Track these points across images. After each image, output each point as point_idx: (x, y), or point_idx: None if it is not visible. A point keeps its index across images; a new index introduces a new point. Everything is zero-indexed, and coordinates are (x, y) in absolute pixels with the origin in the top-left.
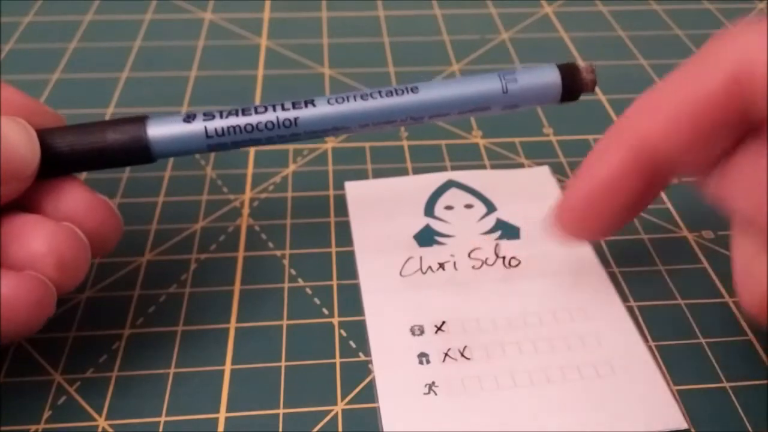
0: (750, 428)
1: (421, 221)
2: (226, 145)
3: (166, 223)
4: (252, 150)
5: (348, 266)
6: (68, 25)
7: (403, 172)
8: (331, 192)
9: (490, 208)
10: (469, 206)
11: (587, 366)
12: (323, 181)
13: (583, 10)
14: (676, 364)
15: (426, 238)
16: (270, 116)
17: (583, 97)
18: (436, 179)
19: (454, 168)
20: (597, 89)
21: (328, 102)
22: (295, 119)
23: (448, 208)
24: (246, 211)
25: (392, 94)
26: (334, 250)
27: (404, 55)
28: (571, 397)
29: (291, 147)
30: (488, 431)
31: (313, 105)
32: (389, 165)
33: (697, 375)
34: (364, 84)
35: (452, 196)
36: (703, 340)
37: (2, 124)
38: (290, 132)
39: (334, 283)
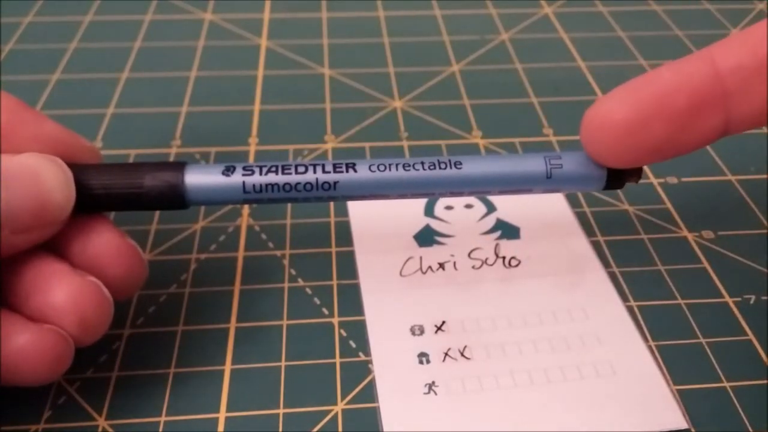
0: (750, 428)
1: (421, 221)
2: (261, 200)
3: (166, 223)
4: (252, 150)
5: (348, 266)
6: (68, 26)
7: None
8: None
9: (490, 208)
10: (469, 206)
11: (587, 366)
12: None
13: (583, 10)
14: (676, 364)
15: (426, 238)
16: (309, 177)
17: (582, 98)
18: None
19: None
20: (596, 90)
21: (370, 168)
22: (335, 183)
23: (448, 208)
24: (246, 211)
25: (435, 167)
26: (334, 250)
27: (404, 56)
28: (571, 397)
29: (291, 147)
30: (488, 431)
31: (354, 170)
32: None
33: (697, 375)
34: (364, 84)
35: None
36: (703, 340)
37: (39, 166)
38: (328, 194)
39: (334, 283)
